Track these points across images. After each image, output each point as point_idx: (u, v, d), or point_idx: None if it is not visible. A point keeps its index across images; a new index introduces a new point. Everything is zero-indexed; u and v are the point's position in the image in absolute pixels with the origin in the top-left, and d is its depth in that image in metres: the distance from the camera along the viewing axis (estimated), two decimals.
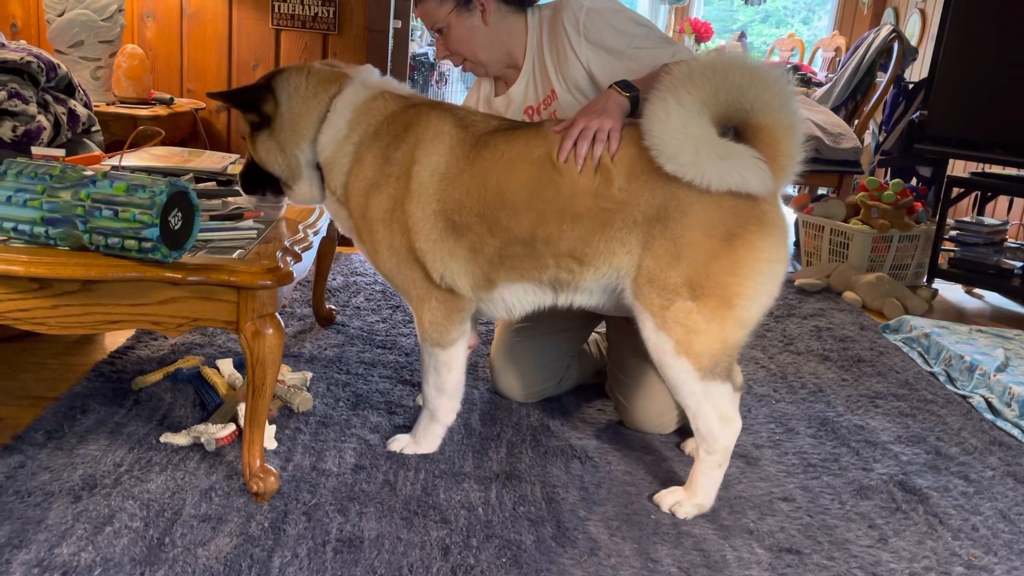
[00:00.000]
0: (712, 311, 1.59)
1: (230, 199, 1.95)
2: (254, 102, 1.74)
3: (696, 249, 1.58)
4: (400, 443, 1.88)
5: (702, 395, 1.65)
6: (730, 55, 1.59)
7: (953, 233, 3.93)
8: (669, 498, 1.74)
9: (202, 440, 1.80)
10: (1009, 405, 2.41)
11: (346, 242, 2.06)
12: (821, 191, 4.84)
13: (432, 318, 1.76)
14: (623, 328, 2.10)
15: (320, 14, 3.64)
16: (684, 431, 2.07)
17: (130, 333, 2.40)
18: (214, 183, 2.09)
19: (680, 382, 1.65)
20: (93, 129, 2.63)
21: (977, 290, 4.04)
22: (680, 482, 1.82)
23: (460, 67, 2.06)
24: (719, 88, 1.55)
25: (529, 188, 1.64)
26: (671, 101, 1.54)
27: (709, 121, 1.56)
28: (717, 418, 1.67)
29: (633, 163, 1.61)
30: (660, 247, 1.60)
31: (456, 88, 7.91)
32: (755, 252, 1.58)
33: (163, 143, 2.60)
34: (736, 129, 1.62)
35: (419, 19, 1.99)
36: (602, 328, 2.34)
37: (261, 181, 1.81)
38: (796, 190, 5.11)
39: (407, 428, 1.96)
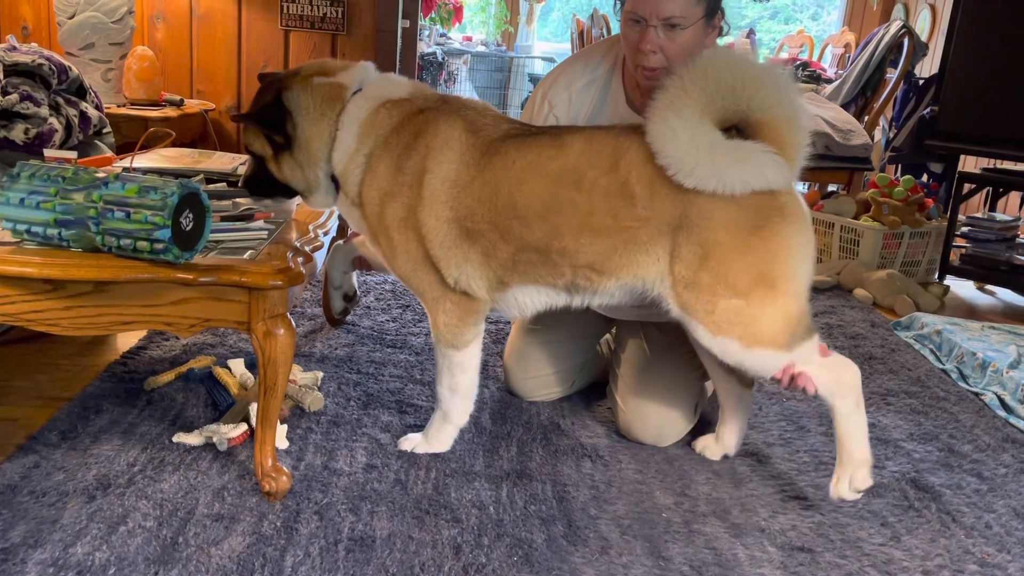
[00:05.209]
0: (761, 299, 1.59)
1: (240, 200, 1.96)
2: (279, 123, 1.72)
3: (724, 248, 1.57)
4: (412, 442, 1.88)
5: (800, 363, 1.63)
6: (720, 57, 1.57)
7: (964, 229, 3.91)
8: (847, 484, 1.69)
9: (214, 440, 1.81)
10: (1022, 402, 2.39)
11: None
12: (831, 188, 4.81)
13: (447, 320, 1.76)
14: (633, 331, 2.09)
15: (329, 15, 3.65)
16: (695, 430, 2.07)
17: (142, 334, 2.42)
18: (225, 184, 2.10)
19: (768, 368, 1.64)
20: (104, 131, 2.64)
21: (989, 286, 4.02)
22: (689, 483, 1.82)
23: (648, 72, 1.84)
24: (714, 94, 1.55)
25: (543, 202, 1.63)
26: (672, 117, 1.55)
27: (712, 126, 1.56)
28: (825, 372, 1.64)
29: (653, 179, 1.59)
30: (688, 253, 1.59)
31: (465, 87, 7.90)
32: (783, 239, 1.58)
33: (174, 144, 2.61)
34: (739, 127, 1.61)
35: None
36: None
37: (270, 187, 1.81)
38: (806, 187, 5.09)
39: (418, 427, 1.96)
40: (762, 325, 1.60)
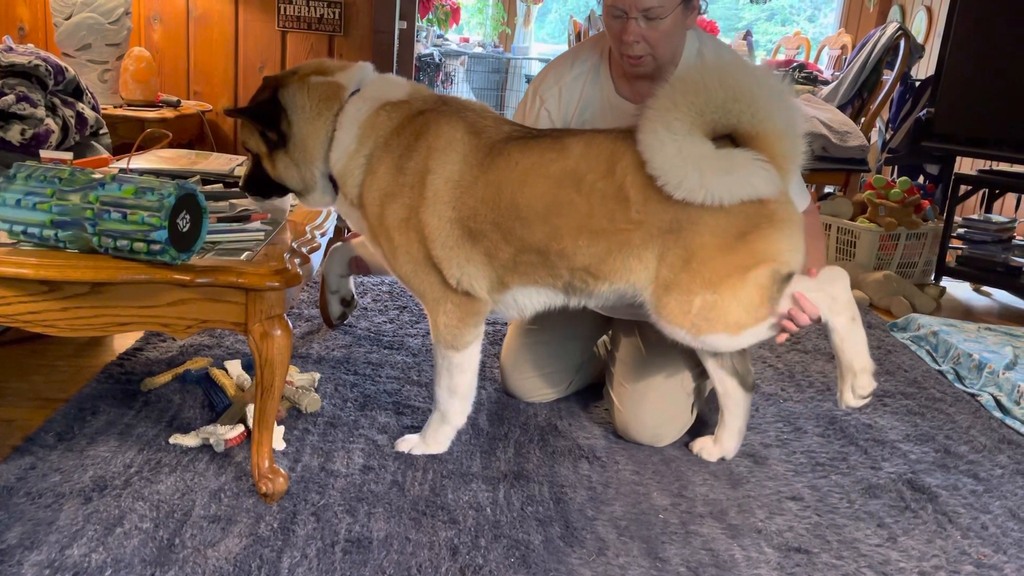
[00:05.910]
0: (733, 287, 1.61)
1: (237, 201, 1.96)
2: (274, 120, 1.72)
3: (707, 250, 1.59)
4: (409, 443, 1.88)
5: (792, 303, 1.63)
6: (712, 71, 1.58)
7: (961, 231, 3.91)
8: (851, 393, 1.68)
9: (211, 441, 1.81)
10: (1018, 403, 2.40)
11: None
12: (828, 189, 4.83)
13: (447, 321, 1.77)
14: (629, 331, 2.10)
15: (326, 16, 3.65)
16: (692, 431, 2.07)
17: (139, 335, 2.41)
18: (221, 185, 2.09)
19: (766, 335, 1.66)
20: (101, 132, 2.64)
21: (985, 288, 4.03)
22: (686, 484, 1.82)
23: (632, 60, 1.86)
24: (703, 108, 1.56)
25: (545, 203, 1.64)
26: (661, 129, 1.56)
27: (702, 136, 1.57)
28: (817, 293, 1.63)
29: (647, 184, 1.60)
30: (674, 255, 1.62)
31: (462, 88, 7.90)
32: (770, 244, 1.60)
33: (170, 145, 2.61)
34: (731, 136, 1.62)
35: None
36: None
37: (266, 186, 1.81)
38: None
39: (415, 428, 1.96)
40: (737, 308, 1.62)
